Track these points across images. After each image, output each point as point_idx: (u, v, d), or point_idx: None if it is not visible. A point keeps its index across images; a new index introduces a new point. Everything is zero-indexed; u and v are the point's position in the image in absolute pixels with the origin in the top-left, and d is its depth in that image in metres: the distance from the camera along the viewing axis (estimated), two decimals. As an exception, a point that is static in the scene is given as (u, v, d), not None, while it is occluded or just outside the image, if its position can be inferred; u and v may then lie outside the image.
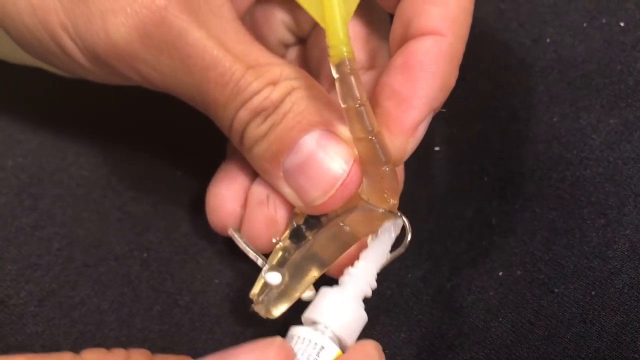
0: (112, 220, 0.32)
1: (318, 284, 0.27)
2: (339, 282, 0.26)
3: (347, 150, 0.26)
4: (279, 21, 0.32)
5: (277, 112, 0.25)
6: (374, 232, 0.27)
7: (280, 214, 0.28)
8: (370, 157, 0.26)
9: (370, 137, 0.25)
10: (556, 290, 0.29)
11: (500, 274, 0.30)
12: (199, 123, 0.31)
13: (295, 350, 0.24)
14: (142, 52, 0.25)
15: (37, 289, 0.30)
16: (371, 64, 0.30)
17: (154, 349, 0.29)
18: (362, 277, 0.26)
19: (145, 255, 0.32)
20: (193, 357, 0.29)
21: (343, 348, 0.25)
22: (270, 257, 0.27)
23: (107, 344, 0.29)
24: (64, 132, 0.35)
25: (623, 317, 0.28)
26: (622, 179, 0.30)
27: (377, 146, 0.25)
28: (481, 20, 0.35)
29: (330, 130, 0.26)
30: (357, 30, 0.30)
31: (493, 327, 0.29)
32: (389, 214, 0.26)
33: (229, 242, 0.32)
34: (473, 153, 0.32)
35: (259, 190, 0.28)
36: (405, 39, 0.27)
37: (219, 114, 0.26)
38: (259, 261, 0.27)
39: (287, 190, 0.26)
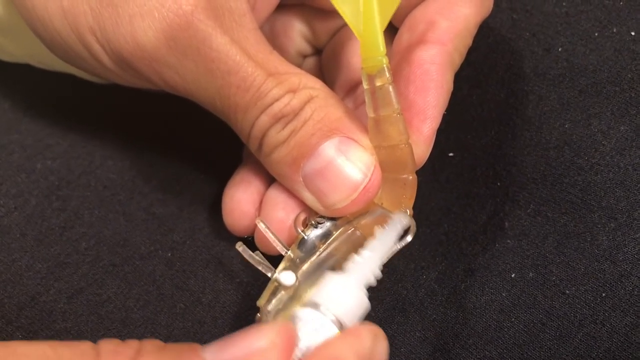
0: (138, 221, 0.33)
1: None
2: (343, 268, 0.26)
3: (367, 155, 0.26)
4: (297, 32, 0.33)
5: (297, 119, 0.26)
6: None
7: (292, 218, 0.28)
8: (396, 164, 0.26)
9: (405, 144, 0.26)
10: (567, 291, 0.30)
11: (513, 275, 0.30)
12: (222, 128, 0.32)
13: (296, 329, 0.24)
14: (167, 55, 0.25)
15: (66, 287, 0.31)
16: None
17: (178, 345, 0.30)
18: (366, 265, 0.26)
19: (170, 254, 0.32)
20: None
21: None
22: (280, 266, 0.28)
23: (131, 339, 0.30)
24: (91, 137, 0.36)
25: (633, 318, 0.29)
26: (632, 184, 0.31)
27: (410, 153, 0.26)
28: (495, 29, 0.35)
29: (350, 137, 0.26)
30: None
31: (506, 327, 0.30)
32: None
33: (250, 243, 0.33)
34: (487, 159, 0.33)
35: (274, 195, 0.29)
36: (409, 46, 0.28)
37: (238, 119, 0.27)
38: (270, 273, 0.27)
39: (306, 195, 0.27)
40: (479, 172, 0.33)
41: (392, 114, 0.26)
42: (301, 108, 0.26)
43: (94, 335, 0.30)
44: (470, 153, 0.33)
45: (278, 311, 0.26)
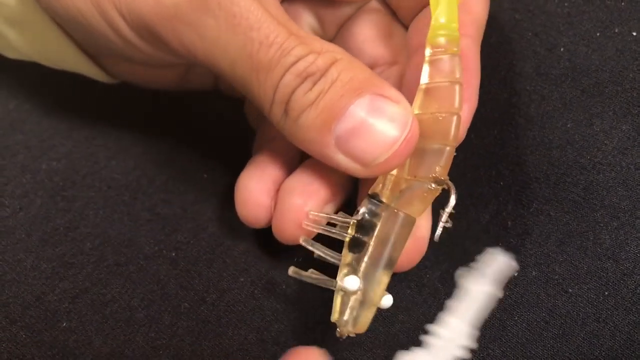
0: (142, 221, 0.33)
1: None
2: (424, 343, 0.24)
3: (402, 108, 0.25)
4: (305, 25, 0.33)
5: (324, 80, 0.25)
6: (428, 206, 0.26)
7: (310, 205, 0.28)
8: (439, 132, 0.26)
9: (455, 113, 0.26)
10: (570, 290, 0.30)
11: (516, 274, 0.31)
12: (226, 128, 0.33)
13: None
14: (188, 13, 0.25)
15: (70, 287, 0.31)
16: (394, 60, 0.31)
17: (182, 344, 0.31)
18: (454, 340, 0.24)
19: (174, 254, 0.32)
20: (218, 351, 0.30)
21: None
22: (338, 276, 0.27)
23: (136, 339, 0.31)
24: (95, 137, 0.36)
25: (635, 317, 0.29)
26: (634, 183, 0.31)
27: (458, 123, 0.26)
28: (498, 30, 0.35)
29: (381, 94, 0.25)
30: (380, 27, 0.31)
31: (509, 326, 0.30)
32: (439, 185, 0.26)
33: (254, 242, 0.33)
34: (490, 158, 0.33)
35: (291, 183, 0.28)
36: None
37: (261, 80, 0.26)
38: (332, 285, 0.26)
39: (339, 158, 0.26)
40: (482, 171, 0.33)
41: (452, 81, 0.25)
42: (327, 69, 0.25)
43: (98, 334, 0.31)
44: (473, 153, 0.34)
45: (355, 319, 0.26)
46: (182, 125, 0.36)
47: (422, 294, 0.31)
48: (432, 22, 0.26)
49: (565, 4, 0.35)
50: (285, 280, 0.32)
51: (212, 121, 0.36)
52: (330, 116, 0.25)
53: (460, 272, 0.25)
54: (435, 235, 0.26)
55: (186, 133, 0.36)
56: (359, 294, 0.26)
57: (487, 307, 0.24)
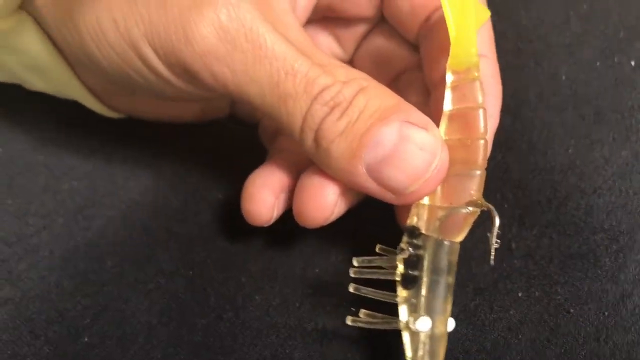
0: (160, 240, 0.34)
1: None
2: None
3: (431, 135, 0.26)
4: (323, 45, 0.34)
5: (352, 109, 0.25)
6: (468, 228, 0.27)
7: (329, 187, 0.28)
8: (467, 158, 0.26)
9: (482, 138, 0.26)
10: (572, 310, 0.31)
11: (520, 294, 0.31)
12: (240, 150, 0.34)
13: None
14: (218, 47, 0.25)
15: (92, 303, 0.32)
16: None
17: (199, 359, 0.32)
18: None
19: (191, 273, 0.33)
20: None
21: None
22: (400, 315, 0.27)
23: (155, 354, 0.32)
24: (114, 158, 0.37)
25: (634, 336, 0.30)
26: (633, 207, 0.32)
27: (485, 147, 0.26)
28: (501, 58, 0.36)
29: (410, 121, 0.26)
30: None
31: (513, 344, 0.31)
32: (477, 207, 0.26)
33: (269, 261, 0.34)
34: (494, 182, 0.34)
35: (309, 175, 0.28)
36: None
37: (289, 110, 0.26)
38: (394, 324, 0.27)
39: (371, 186, 0.26)
40: (486, 195, 0.34)
41: (476, 107, 0.26)
42: (354, 97, 0.26)
43: (117, 349, 0.32)
44: (479, 176, 0.35)
45: (430, 354, 0.27)
46: (197, 147, 0.37)
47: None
48: (451, 48, 0.26)
49: (567, 34, 0.37)
50: (299, 299, 0.33)
51: (226, 143, 0.37)
52: (360, 146, 0.25)
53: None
54: (491, 258, 0.26)
55: (201, 155, 0.37)
56: (429, 330, 0.26)
57: None
